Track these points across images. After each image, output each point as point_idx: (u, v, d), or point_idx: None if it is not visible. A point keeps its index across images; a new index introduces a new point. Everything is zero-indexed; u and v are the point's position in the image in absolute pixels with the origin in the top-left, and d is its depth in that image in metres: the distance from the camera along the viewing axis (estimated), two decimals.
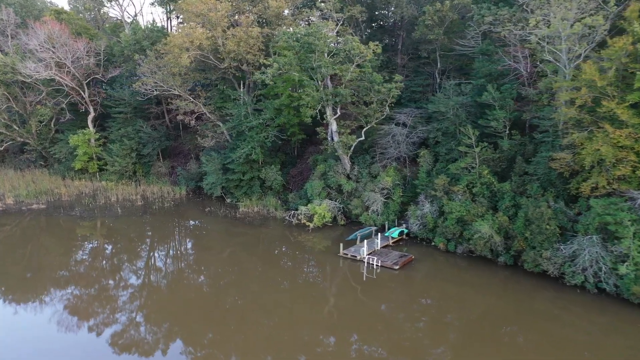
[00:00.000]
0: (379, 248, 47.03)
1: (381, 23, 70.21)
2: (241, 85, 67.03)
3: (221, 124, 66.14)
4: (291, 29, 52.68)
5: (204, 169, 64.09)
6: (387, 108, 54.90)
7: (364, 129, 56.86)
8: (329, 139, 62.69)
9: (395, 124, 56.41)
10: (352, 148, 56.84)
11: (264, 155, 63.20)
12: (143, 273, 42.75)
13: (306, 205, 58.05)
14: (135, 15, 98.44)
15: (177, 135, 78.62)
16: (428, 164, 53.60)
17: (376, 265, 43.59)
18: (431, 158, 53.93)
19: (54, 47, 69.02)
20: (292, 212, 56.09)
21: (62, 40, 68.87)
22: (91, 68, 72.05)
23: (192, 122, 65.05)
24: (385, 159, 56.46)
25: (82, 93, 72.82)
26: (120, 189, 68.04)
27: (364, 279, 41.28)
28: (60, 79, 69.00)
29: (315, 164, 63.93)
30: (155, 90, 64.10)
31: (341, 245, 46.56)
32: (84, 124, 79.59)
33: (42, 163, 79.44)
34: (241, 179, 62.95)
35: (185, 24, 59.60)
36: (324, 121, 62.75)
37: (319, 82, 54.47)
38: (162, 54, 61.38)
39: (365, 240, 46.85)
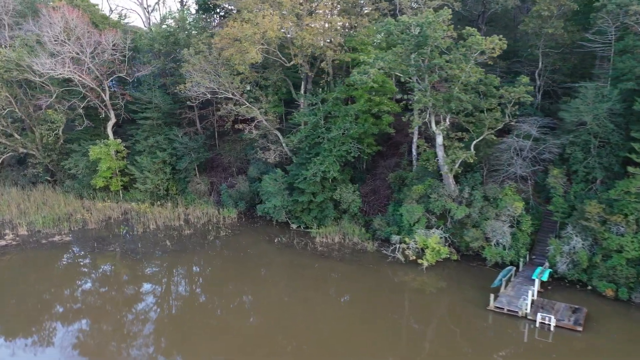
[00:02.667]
0: (536, 297, 36.84)
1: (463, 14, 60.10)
2: (303, 88, 55.87)
3: (280, 136, 54.88)
4: (405, 17, 41.85)
5: (267, 189, 52.56)
6: (508, 116, 44.75)
7: (474, 142, 46.54)
8: (414, 153, 52.60)
9: (515, 136, 46.32)
10: (457, 165, 46.54)
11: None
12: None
13: (398, 233, 47.67)
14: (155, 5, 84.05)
15: (212, 145, 66.75)
16: (561, 185, 43.78)
17: (549, 324, 33.36)
18: (563, 178, 44.14)
19: (69, 39, 56.30)
20: (396, 245, 45.31)
21: (79, 31, 56.19)
22: (115, 65, 59.52)
23: (253, 132, 53.42)
24: (502, 177, 46.38)
25: (103, 95, 60.21)
26: (156, 212, 55.91)
27: (539, 347, 31.13)
28: (80, 78, 56.31)
29: (398, 183, 53.46)
30: (208, 93, 52.27)
31: (491, 297, 36.15)
32: (98, 132, 67.00)
33: (49, 179, 66.28)
34: (311, 201, 51.87)
35: (248, 12, 47.89)
36: (410, 131, 52.57)
37: (427, 84, 43.87)
38: (220, 49, 49.54)
39: (514, 286, 36.76)
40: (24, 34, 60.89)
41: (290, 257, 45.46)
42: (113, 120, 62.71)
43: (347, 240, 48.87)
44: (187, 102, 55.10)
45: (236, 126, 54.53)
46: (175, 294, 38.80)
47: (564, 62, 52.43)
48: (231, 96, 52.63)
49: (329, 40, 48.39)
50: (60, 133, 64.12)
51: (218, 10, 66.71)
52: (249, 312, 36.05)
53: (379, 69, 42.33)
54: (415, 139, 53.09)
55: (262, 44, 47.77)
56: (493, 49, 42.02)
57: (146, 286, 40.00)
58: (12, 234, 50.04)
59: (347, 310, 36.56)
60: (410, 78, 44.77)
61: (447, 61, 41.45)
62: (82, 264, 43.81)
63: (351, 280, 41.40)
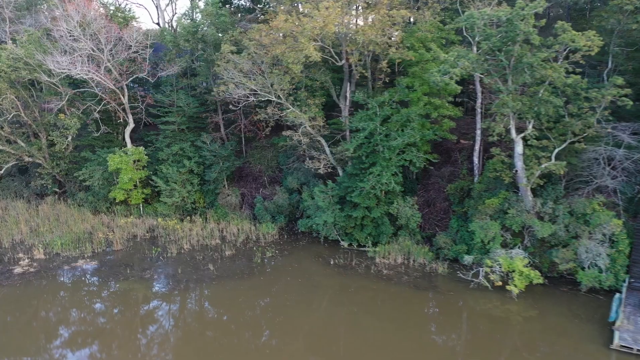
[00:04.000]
0: None
1: None
2: (347, 90, 50.27)
3: (324, 143, 49.30)
4: (488, 10, 36.62)
5: (317, 204, 46.80)
6: (598, 122, 39.86)
7: (556, 150, 41.50)
8: (475, 161, 47.68)
9: (605, 143, 41.46)
10: (536, 175, 41.51)
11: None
12: None
13: (467, 252, 42.74)
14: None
15: (238, 152, 60.79)
16: None
17: None
18: None
19: (84, 34, 49.77)
20: (478, 268, 40.05)
21: (96, 25, 49.67)
22: (136, 64, 53.12)
23: (302, 141, 47.64)
24: (589, 190, 41.51)
25: (122, 97, 53.75)
26: (186, 229, 49.77)
27: None
28: (100, 79, 49.81)
29: (459, 195, 48.37)
30: (250, 96, 46.30)
31: (616, 334, 31.11)
32: (111, 138, 60.59)
33: (57, 190, 59.51)
34: (365, 216, 46.37)
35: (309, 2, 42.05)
36: (464, 139, 47.59)
37: (513, 86, 38.67)
38: (266, 45, 43.61)
39: (627, 318, 31.82)
40: (28, 29, 53.89)
41: (354, 282, 39.86)
42: (131, 125, 56.28)
43: (411, 261, 43.48)
44: (230, 106, 48.86)
45: (283, 132, 48.47)
46: (237, 334, 32.88)
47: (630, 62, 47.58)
48: (274, 99, 46.73)
49: (390, 37, 42.81)
50: (70, 140, 57.31)
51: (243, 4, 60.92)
52: (333, 353, 30.43)
53: (462, 69, 36.94)
54: (477, 146, 48.10)
55: (316, 41, 42.00)
56: (589, 46, 37.01)
57: (200, 324, 33.98)
58: (28, 258, 43.45)
59: (441, 350, 31.18)
60: (484, 78, 39.61)
61: (542, 60, 36.27)
62: (116, 296, 37.57)
63: (433, 311, 36.09)
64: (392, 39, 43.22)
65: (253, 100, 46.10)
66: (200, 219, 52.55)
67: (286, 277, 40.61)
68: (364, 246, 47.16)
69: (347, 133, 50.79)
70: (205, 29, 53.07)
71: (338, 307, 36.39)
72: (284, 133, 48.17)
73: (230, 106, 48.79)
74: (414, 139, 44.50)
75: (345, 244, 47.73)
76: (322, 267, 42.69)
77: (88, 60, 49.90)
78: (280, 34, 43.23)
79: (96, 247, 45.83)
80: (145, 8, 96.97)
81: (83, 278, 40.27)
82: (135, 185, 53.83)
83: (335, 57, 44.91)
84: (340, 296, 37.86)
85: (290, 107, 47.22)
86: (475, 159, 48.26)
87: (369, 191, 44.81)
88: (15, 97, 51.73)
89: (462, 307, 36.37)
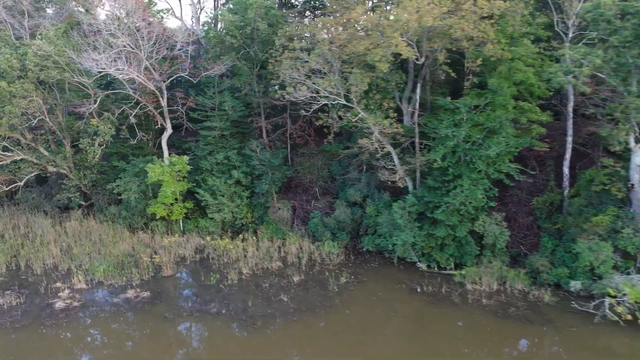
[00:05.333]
0: None
1: None
2: (418, 91, 44.84)
3: (392, 151, 43.80)
4: None
5: (397, 221, 41.25)
6: None
7: None
8: (565, 172, 42.64)
9: None
10: None
11: None
12: None
13: (570, 277, 37.63)
14: None
15: (284, 160, 54.99)
16: None
17: None
18: None
19: (123, 27, 43.74)
20: (601, 299, 34.76)
21: (136, 20, 43.68)
22: (179, 63, 47.15)
23: (375, 148, 42.10)
24: None
25: (160, 100, 47.79)
26: (239, 249, 44.01)
27: None
28: (140, 79, 43.82)
29: (547, 209, 43.25)
30: (316, 99, 40.67)
31: None
32: (141, 144, 54.47)
33: (83, 203, 53.22)
34: (448, 235, 40.98)
35: None
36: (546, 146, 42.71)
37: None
38: (342, 40, 37.97)
39: None
40: (53, 22, 47.65)
41: (457, 315, 34.41)
42: (169, 131, 50.28)
43: (507, 287, 38.15)
44: (302, 111, 43.15)
45: (359, 141, 42.86)
46: None
47: None
48: (343, 101, 41.14)
49: (484, 32, 37.40)
50: (97, 148, 50.94)
51: None
52: None
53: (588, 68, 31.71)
54: (567, 155, 43.00)
55: (402, 35, 36.46)
56: None
57: None
58: (67, 288, 37.30)
59: None
60: (610, 79, 34.44)
61: None
62: (185, 338, 31.68)
63: (558, 352, 30.75)
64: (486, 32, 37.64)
65: (320, 103, 40.38)
66: (252, 237, 46.73)
67: (375, 310, 35.03)
68: (445, 268, 41.74)
69: (416, 140, 45.30)
70: (257, 23, 47.16)
71: (453, 349, 30.84)
72: (360, 142, 42.49)
73: (303, 111, 42.91)
74: (509, 148, 39.27)
75: (423, 266, 42.28)
76: (410, 296, 37.20)
77: (127, 59, 43.83)
78: (359, 28, 37.60)
79: (143, 272, 39.79)
80: (167, 1, 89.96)
81: (139, 314, 34.27)
82: (175, 199, 47.81)
83: (418, 54, 39.37)
84: (450, 335, 32.27)
85: (360, 111, 41.64)
86: (565, 169, 43.14)
87: (459, 207, 39.49)
88: (41, 99, 45.36)
89: (595, 347, 31.07)
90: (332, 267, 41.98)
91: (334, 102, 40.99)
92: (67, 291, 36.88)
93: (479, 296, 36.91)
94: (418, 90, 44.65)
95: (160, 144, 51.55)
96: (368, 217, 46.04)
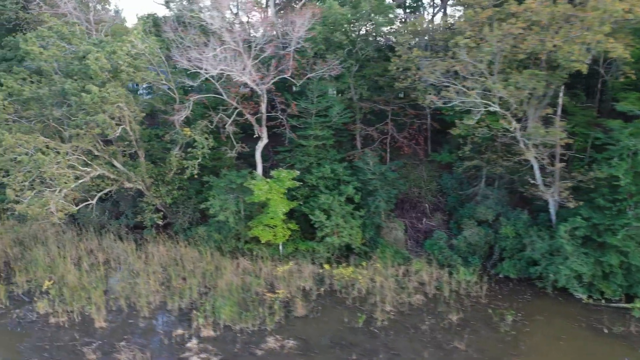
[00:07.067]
0: None
1: None
2: (560, 95, 39.06)
3: (535, 163, 38.06)
4: None
5: (564, 246, 35.40)
6: None
7: None
8: None
9: None
10: None
11: None
12: None
13: None
14: None
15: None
16: None
17: None
18: None
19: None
20: None
21: (245, 12, 37.23)
22: (283, 63, 40.68)
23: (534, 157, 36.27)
24: None
25: (261, 105, 41.40)
26: (366, 278, 37.94)
27: None
28: (247, 81, 37.37)
29: None
30: (469, 104, 34.70)
31: None
32: (219, 155, 47.80)
33: (160, 223, 46.41)
34: (621, 262, 35.41)
35: None
36: None
37: None
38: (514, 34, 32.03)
39: None
40: (140, 15, 40.91)
41: None
42: (264, 141, 43.88)
43: None
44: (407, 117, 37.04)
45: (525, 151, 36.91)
46: None
47: None
48: (497, 109, 35.25)
49: None
50: (175, 160, 44.21)
51: None
52: None
53: None
54: None
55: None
56: None
57: None
58: (193, 336, 30.69)
59: None
60: None
61: None
62: None
63: None
64: None
65: (480, 109, 34.43)
66: (365, 262, 40.70)
67: None
68: (611, 300, 36.11)
69: (557, 151, 39.54)
70: (370, 17, 41.01)
71: None
72: (528, 153, 36.50)
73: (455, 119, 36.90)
74: None
75: (584, 297, 36.56)
76: (600, 338, 31.56)
77: (232, 58, 37.32)
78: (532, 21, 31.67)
79: (273, 313, 33.36)
80: None
81: None
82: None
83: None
84: None
85: (511, 119, 35.77)
86: None
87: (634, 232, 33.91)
88: (128, 107, 38.56)
89: None
90: (483, 300, 36.08)
91: (482, 109, 35.00)
92: (194, 341, 30.37)
93: None
94: (560, 94, 38.90)
95: (240, 155, 45.41)
96: (504, 239, 40.28)
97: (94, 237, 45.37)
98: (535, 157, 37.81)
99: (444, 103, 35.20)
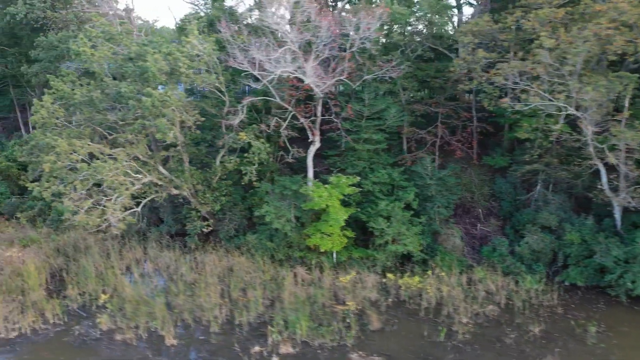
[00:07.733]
0: None
1: None
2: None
3: (601, 167, 37.04)
4: None
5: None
6: None
7: None
8: None
9: None
10: None
11: None
12: None
13: None
14: None
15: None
16: None
17: None
18: None
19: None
20: None
21: (307, 10, 35.67)
22: (346, 63, 39.18)
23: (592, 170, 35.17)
24: None
25: (316, 108, 39.92)
26: (433, 287, 36.56)
27: None
28: (312, 85, 35.87)
29: None
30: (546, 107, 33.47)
31: None
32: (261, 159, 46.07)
33: (204, 230, 44.69)
34: None
35: None
36: None
37: None
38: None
39: None
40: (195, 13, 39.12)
41: None
42: (317, 145, 42.38)
43: None
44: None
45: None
46: None
47: None
48: (574, 112, 34.08)
49: None
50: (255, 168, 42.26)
51: None
52: None
53: None
54: None
55: None
56: None
57: None
58: (272, 354, 29.09)
59: None
60: None
61: None
62: None
63: None
64: None
65: (562, 113, 33.26)
66: (423, 269, 39.41)
67: None
68: None
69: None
70: (429, 17, 39.67)
71: None
72: (610, 157, 35.35)
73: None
74: None
75: None
76: None
77: (293, 59, 35.79)
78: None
79: (347, 326, 31.89)
80: None
81: None
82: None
83: None
84: None
85: (588, 123, 34.63)
86: None
87: None
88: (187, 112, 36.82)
89: None
90: (558, 310, 34.91)
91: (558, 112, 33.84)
92: (275, 358, 28.79)
93: None
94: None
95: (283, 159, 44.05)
96: (568, 245, 39.17)
97: (137, 245, 43.50)
98: (601, 160, 36.79)
99: (522, 107, 33.82)
